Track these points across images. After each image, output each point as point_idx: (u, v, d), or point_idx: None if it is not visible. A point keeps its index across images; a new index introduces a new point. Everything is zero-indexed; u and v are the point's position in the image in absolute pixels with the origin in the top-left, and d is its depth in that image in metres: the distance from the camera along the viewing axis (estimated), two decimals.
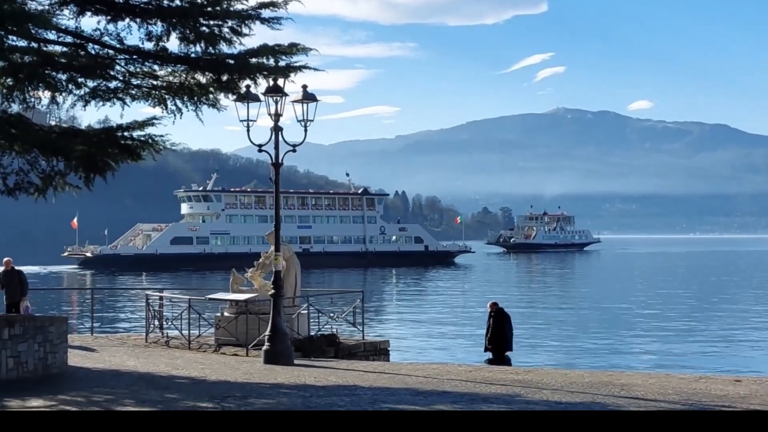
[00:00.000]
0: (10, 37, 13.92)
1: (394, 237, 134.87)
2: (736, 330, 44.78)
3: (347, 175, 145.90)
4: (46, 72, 14.74)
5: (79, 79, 15.10)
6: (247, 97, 17.80)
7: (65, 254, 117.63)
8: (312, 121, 18.94)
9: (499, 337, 21.93)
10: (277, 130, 18.71)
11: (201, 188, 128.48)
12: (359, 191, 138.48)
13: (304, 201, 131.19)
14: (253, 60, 15.53)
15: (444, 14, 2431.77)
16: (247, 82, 16.53)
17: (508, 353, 22.06)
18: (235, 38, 15.03)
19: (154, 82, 15.78)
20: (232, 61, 15.40)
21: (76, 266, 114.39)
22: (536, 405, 12.37)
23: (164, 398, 13.19)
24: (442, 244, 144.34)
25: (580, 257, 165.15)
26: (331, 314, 24.58)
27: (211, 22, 14.94)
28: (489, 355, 22.07)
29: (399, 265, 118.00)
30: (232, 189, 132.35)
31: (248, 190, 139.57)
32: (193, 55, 15.24)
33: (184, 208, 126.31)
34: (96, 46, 15.17)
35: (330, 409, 11.82)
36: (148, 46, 15.13)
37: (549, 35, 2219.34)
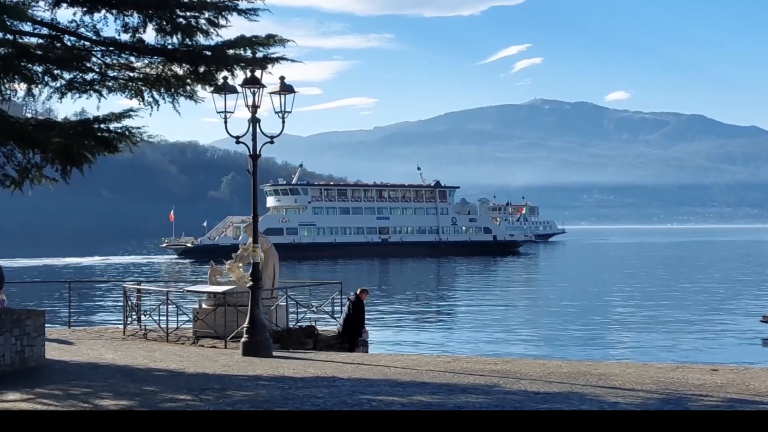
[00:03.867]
0: None
1: (464, 227, 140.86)
2: (713, 320, 45.09)
3: (418, 168, 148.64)
4: (22, 64, 14.62)
5: (56, 71, 15.00)
6: (225, 89, 17.74)
7: (164, 245, 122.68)
8: (290, 112, 18.93)
9: (354, 322, 22.93)
10: (254, 121, 18.68)
11: (285, 182, 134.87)
12: (431, 184, 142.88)
13: (381, 194, 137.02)
14: (230, 51, 15.48)
15: (420, 5, 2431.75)
16: (225, 73, 16.45)
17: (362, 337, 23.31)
18: (212, 29, 14.96)
19: (131, 74, 15.69)
20: (209, 53, 15.34)
21: (176, 256, 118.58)
22: (515, 395, 12.42)
23: (142, 391, 13.16)
24: (509, 234, 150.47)
25: (544, 248, 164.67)
26: (310, 305, 24.55)
27: (188, 14, 14.85)
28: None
29: (469, 254, 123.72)
30: (316, 183, 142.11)
31: (331, 183, 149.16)
32: (169, 47, 15.16)
33: (271, 201, 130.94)
34: (72, 38, 15.06)
35: (309, 401, 11.84)
36: (125, 37, 15.04)
37: (526, 26, 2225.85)
